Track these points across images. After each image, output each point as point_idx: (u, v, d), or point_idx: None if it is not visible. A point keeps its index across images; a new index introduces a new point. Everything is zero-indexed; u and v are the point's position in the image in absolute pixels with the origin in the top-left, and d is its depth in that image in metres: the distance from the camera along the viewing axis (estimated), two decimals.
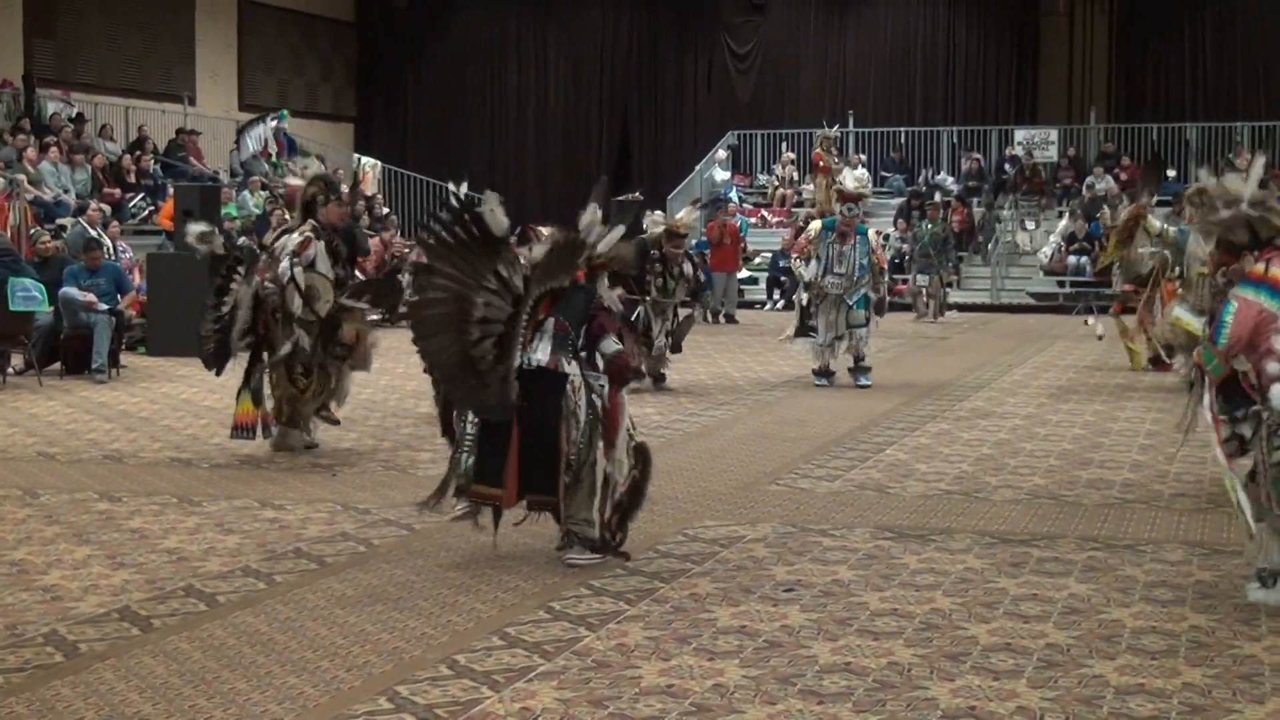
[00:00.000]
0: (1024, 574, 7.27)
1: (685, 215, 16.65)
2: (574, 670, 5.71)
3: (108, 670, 5.74)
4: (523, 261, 7.44)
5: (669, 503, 8.94)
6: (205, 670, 5.72)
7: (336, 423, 11.35)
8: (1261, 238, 6.66)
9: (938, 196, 28.69)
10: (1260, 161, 6.89)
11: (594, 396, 7.48)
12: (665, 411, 13.10)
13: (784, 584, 7.05)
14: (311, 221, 10.89)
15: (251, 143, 28.54)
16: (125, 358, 16.87)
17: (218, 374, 11.05)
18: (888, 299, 15.76)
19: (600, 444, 7.51)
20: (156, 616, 6.52)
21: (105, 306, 16.07)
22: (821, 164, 28.61)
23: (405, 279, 13.15)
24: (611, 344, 7.50)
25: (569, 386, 7.39)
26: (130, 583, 7.13)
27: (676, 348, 15.23)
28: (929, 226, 25.52)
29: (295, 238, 10.82)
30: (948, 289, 25.72)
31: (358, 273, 11.71)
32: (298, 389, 10.92)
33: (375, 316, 11.57)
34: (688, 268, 15.26)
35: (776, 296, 27.14)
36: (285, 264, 10.71)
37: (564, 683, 5.56)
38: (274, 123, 29.16)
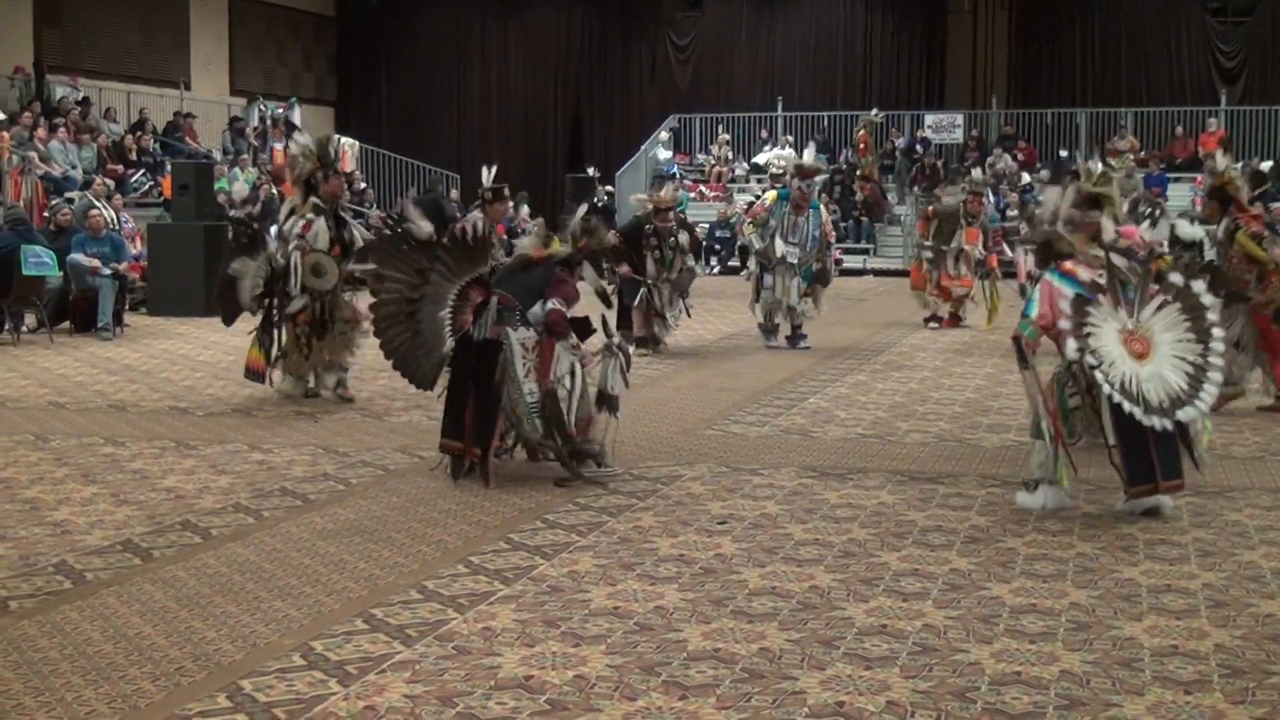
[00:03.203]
0: (931, 508, 7.31)
1: (665, 191, 15.70)
2: (530, 594, 5.70)
3: (112, 596, 5.70)
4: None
5: (617, 446, 8.90)
6: (200, 596, 5.69)
7: (351, 400, 10.91)
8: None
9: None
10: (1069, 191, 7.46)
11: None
12: None
13: (718, 517, 7.07)
14: (313, 200, 10.68)
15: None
16: (128, 317, 16.70)
17: (227, 325, 11.26)
18: (833, 269, 15.40)
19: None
20: (156, 548, 6.48)
21: (109, 271, 15.93)
22: (863, 146, 28.89)
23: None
24: (550, 304, 7.84)
25: (504, 351, 7.76)
26: (132, 518, 7.08)
27: (684, 294, 14.47)
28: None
29: (299, 221, 10.60)
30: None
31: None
32: (299, 348, 10.78)
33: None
34: (683, 236, 14.37)
35: (713, 263, 27.11)
36: (293, 245, 10.55)
37: (521, 605, 5.55)
38: (281, 110, 29.17)
